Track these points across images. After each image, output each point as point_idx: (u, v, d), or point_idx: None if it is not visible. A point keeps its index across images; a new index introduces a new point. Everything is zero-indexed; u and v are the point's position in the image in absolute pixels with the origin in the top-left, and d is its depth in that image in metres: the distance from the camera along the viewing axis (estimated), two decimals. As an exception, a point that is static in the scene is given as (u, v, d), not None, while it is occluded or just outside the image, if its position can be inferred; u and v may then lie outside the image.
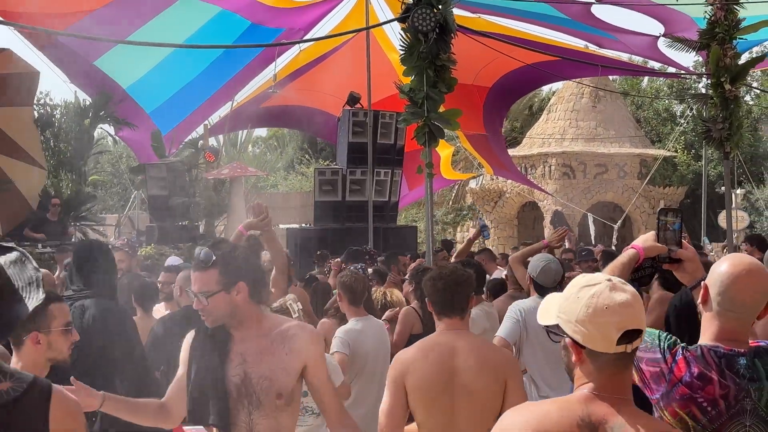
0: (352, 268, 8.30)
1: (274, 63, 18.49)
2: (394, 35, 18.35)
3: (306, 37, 18.87)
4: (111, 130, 20.18)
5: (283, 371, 3.95)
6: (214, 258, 3.88)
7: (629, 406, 2.70)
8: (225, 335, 3.99)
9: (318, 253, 13.54)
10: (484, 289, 9.19)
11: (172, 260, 11.21)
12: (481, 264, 9.21)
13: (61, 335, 3.74)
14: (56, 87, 37.05)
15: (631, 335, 2.66)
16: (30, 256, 2.64)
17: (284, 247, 18.78)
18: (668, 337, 3.10)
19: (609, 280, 2.76)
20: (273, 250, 6.78)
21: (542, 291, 6.82)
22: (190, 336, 4.14)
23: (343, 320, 6.94)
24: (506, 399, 4.61)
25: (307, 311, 8.45)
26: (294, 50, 20.12)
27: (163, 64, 17.32)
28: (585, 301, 2.72)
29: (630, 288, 2.77)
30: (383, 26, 18.02)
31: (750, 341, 3.10)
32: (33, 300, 2.55)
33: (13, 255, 2.63)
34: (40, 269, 2.66)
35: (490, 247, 19.76)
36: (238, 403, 3.89)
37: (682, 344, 3.07)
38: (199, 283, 3.94)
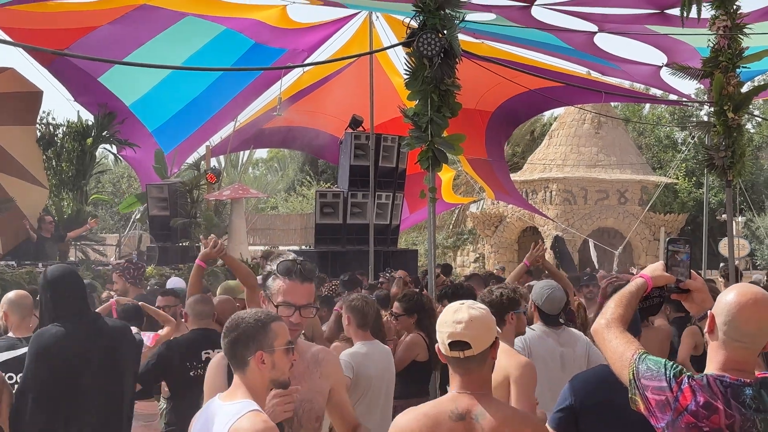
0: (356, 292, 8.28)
1: (279, 82, 18.55)
2: (397, 59, 18.44)
3: (309, 59, 18.89)
4: (113, 149, 20.16)
5: (320, 394, 3.95)
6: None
7: (487, 398, 3.63)
8: None
9: (317, 275, 13.51)
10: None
11: (174, 282, 11.11)
12: (473, 289, 9.16)
13: (283, 354, 3.60)
14: (59, 106, 37.26)
15: (460, 345, 3.56)
16: None
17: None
18: (674, 365, 3.08)
19: (473, 302, 3.70)
20: (240, 272, 6.92)
21: (547, 319, 6.81)
22: (222, 359, 3.96)
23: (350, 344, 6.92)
24: None
25: (318, 334, 8.44)
26: (297, 71, 20.16)
27: (167, 81, 17.38)
28: (440, 317, 3.69)
29: (477, 310, 3.61)
30: (387, 50, 18.09)
31: (757, 372, 3.09)
32: None
33: None
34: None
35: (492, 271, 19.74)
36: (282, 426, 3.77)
37: (688, 373, 3.05)
38: (307, 294, 3.89)
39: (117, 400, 5.40)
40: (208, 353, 6.23)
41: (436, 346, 3.70)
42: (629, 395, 3.15)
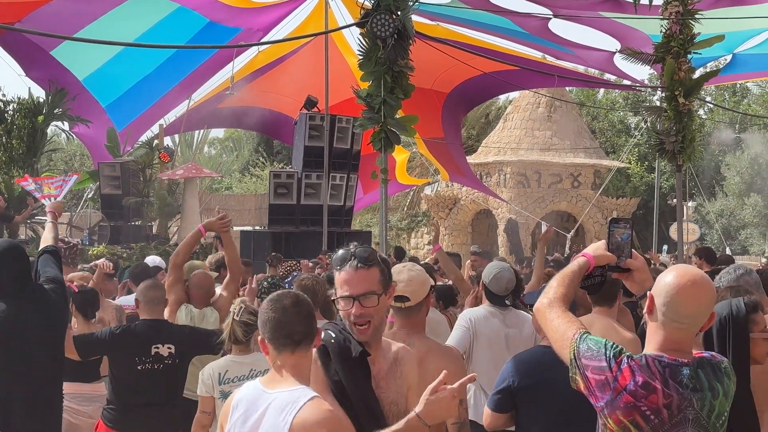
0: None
1: (231, 63, 18.41)
2: (353, 39, 18.37)
3: (265, 39, 18.77)
4: (65, 126, 19.93)
5: (402, 396, 3.64)
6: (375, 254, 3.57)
7: (420, 335, 4.38)
8: (365, 355, 3.55)
9: (272, 255, 13.52)
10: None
11: (152, 260, 10.97)
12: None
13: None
14: (10, 82, 36.67)
15: (401, 299, 4.26)
16: None
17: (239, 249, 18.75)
18: (614, 345, 3.12)
19: (412, 264, 4.57)
20: (230, 254, 6.95)
21: (494, 298, 6.85)
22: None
23: None
24: None
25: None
26: (252, 51, 20.04)
27: (121, 56, 17.11)
28: None
29: (414, 271, 4.40)
30: (342, 29, 18.03)
31: (694, 352, 3.13)
32: None
33: None
34: None
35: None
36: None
37: (627, 353, 3.09)
38: (364, 282, 3.53)
39: (56, 371, 5.43)
40: (158, 348, 6.19)
41: None
42: (570, 374, 3.18)
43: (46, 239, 5.92)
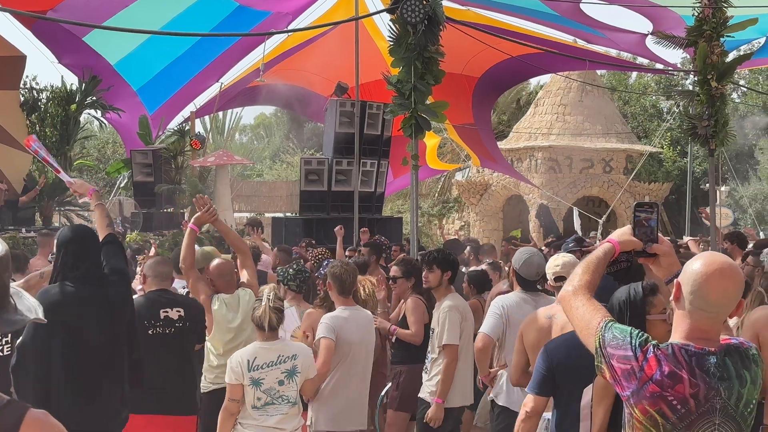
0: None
1: (263, 46, 18.43)
2: (382, 23, 18.33)
3: (293, 23, 18.74)
4: (98, 114, 20.04)
5: None
6: None
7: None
8: None
9: (306, 241, 13.60)
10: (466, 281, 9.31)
11: None
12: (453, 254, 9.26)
13: None
14: (43, 70, 36.94)
15: (561, 279, 5.23)
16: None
17: (270, 236, 18.83)
18: (640, 334, 3.09)
19: (564, 253, 5.75)
20: (230, 237, 7.08)
21: (525, 284, 6.85)
22: None
23: (330, 310, 6.95)
24: None
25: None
26: (282, 35, 20.02)
27: (152, 40, 17.16)
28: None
29: (567, 257, 6.03)
30: (373, 15, 17.99)
31: (721, 339, 3.11)
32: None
33: None
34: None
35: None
36: None
37: (653, 342, 3.07)
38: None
39: (119, 359, 5.46)
40: (167, 312, 6.26)
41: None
42: (595, 363, 3.16)
43: (102, 228, 5.84)
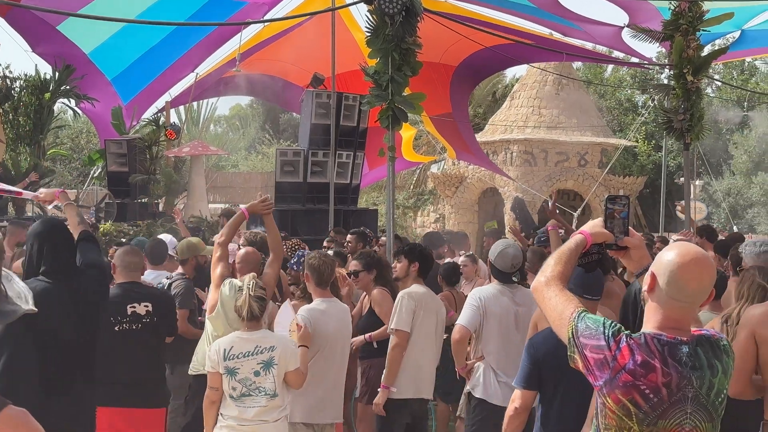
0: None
1: (239, 36, 18.32)
2: (359, 14, 18.25)
3: (270, 13, 18.62)
4: (72, 103, 19.89)
5: None
6: None
7: None
8: None
9: (282, 234, 13.49)
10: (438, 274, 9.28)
11: (164, 238, 10.60)
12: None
13: None
14: (17, 59, 36.55)
15: None
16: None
17: (245, 227, 18.73)
18: (612, 324, 3.11)
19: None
20: (272, 235, 6.97)
21: (501, 276, 6.84)
22: None
23: (310, 302, 6.90)
24: None
25: (285, 292, 8.44)
26: (258, 24, 19.93)
27: (127, 30, 17.00)
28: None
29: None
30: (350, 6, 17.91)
31: (692, 329, 3.13)
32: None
33: None
34: None
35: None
36: None
37: (626, 332, 3.08)
38: None
39: (92, 354, 5.40)
40: (134, 307, 6.19)
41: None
42: (568, 353, 3.17)
43: (74, 225, 5.74)
